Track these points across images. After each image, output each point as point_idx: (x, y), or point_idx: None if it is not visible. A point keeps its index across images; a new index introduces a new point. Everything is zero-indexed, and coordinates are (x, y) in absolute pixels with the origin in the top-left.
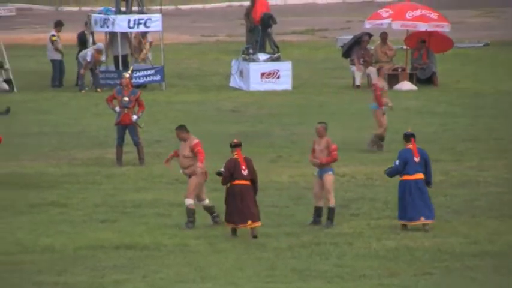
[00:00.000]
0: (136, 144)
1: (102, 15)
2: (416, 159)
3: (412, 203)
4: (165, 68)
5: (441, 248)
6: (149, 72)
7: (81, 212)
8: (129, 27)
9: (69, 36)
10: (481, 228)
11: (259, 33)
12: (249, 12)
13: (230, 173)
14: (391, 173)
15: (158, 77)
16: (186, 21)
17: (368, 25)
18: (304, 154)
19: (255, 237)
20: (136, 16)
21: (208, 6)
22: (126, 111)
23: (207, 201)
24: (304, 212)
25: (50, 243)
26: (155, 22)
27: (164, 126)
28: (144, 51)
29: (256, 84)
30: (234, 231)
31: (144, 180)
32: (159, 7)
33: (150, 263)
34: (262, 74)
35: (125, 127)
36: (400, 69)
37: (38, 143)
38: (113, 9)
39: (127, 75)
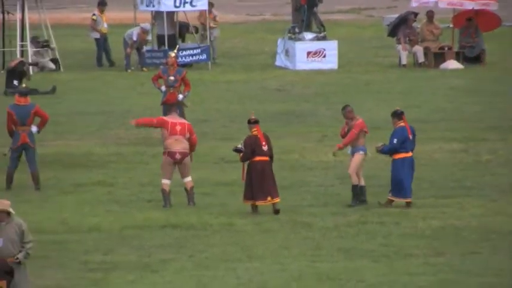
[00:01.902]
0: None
1: None
2: (410, 137)
3: (407, 180)
4: (211, 47)
5: (488, 228)
6: (195, 51)
7: (128, 191)
8: (175, 6)
9: (114, 15)
10: None
11: (305, 12)
12: None
13: (251, 150)
14: (389, 151)
15: (204, 56)
16: (231, 0)
17: (415, 4)
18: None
19: (277, 212)
20: None
21: None
22: (171, 91)
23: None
24: (350, 191)
25: (96, 222)
26: (201, 1)
27: (210, 105)
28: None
29: (302, 63)
30: (255, 208)
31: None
32: None
33: (196, 242)
34: (308, 53)
35: (171, 106)
36: (446, 48)
37: (84, 122)
38: None
39: (173, 54)
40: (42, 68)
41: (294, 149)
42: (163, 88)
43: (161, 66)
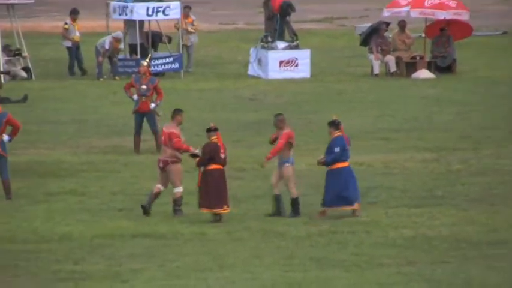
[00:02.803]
0: (155, 132)
1: (121, 3)
2: (348, 147)
3: (350, 187)
4: (183, 56)
5: (459, 237)
6: (167, 60)
7: (99, 200)
8: (148, 15)
9: (87, 24)
10: (499, 216)
11: (278, 21)
12: (268, 0)
13: (210, 157)
14: (332, 161)
15: (177, 65)
16: (205, 8)
17: (387, 13)
18: (322, 142)
19: (218, 220)
20: (155, 4)
21: None
22: (144, 100)
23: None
24: (320, 200)
25: (67, 231)
26: (174, 10)
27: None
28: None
29: (275, 72)
30: (216, 216)
31: None
32: None
33: (168, 251)
34: (281, 62)
35: (143, 115)
36: (418, 58)
37: (56, 131)
38: None
39: (145, 63)
40: (14, 77)
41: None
42: (135, 97)
43: (134, 75)
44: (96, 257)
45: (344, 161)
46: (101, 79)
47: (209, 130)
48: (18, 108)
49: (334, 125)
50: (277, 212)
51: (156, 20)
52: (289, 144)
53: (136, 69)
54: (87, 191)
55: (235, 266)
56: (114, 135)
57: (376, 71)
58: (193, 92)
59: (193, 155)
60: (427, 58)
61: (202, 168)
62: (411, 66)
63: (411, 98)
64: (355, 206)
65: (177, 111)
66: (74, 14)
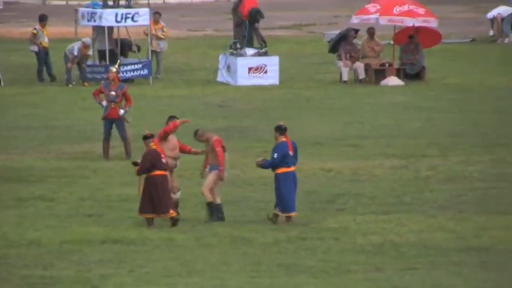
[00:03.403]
0: (124, 138)
1: (90, 9)
2: (291, 153)
3: (290, 194)
4: (152, 63)
5: (427, 244)
6: (136, 66)
7: (68, 206)
8: (117, 22)
9: (56, 30)
10: (467, 223)
11: (247, 28)
12: (236, 7)
13: (152, 164)
14: (269, 165)
15: (145, 72)
16: (173, 15)
17: (355, 20)
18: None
19: (176, 223)
20: (124, 10)
21: (195, 0)
22: (113, 106)
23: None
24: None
25: (36, 237)
26: (143, 16)
27: (151, 120)
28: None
29: (244, 78)
30: (151, 221)
31: (131, 175)
32: (146, 1)
33: (137, 257)
34: (250, 69)
35: (112, 121)
36: (387, 65)
37: (26, 137)
38: (101, 3)
39: (114, 69)
40: None
41: (235, 165)
42: (104, 103)
43: (103, 81)
44: (66, 262)
45: (287, 166)
46: (70, 85)
47: (146, 137)
48: None
49: (280, 130)
50: (219, 218)
51: (125, 27)
52: (224, 149)
53: (105, 76)
54: (57, 197)
55: (203, 272)
56: (84, 141)
57: (345, 77)
58: (162, 99)
59: (135, 163)
60: (396, 65)
61: (144, 175)
62: (380, 73)
63: (380, 105)
64: (292, 214)
65: (171, 118)
66: (42, 20)
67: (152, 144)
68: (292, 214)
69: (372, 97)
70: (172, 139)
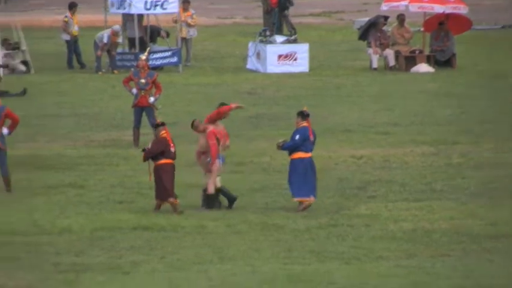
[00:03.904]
0: (153, 126)
1: None
2: (312, 138)
3: (305, 180)
4: (182, 50)
5: (458, 230)
6: (166, 54)
7: (98, 193)
8: (146, 9)
9: (85, 18)
10: (499, 210)
11: (276, 15)
12: None
13: (161, 152)
14: (290, 147)
15: (175, 59)
16: (203, 3)
17: (385, 7)
18: (320, 137)
19: (179, 212)
20: None
21: None
22: (143, 94)
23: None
24: (320, 193)
25: (67, 224)
26: (172, 4)
27: (181, 108)
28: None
29: (273, 66)
30: (159, 207)
31: None
32: None
33: (168, 244)
34: (279, 56)
35: (142, 109)
36: (417, 52)
37: (55, 124)
38: None
39: (143, 57)
40: (12, 70)
41: (265, 152)
42: (134, 91)
43: (132, 69)
44: (97, 249)
45: (305, 151)
46: (100, 73)
47: (157, 126)
48: (17, 102)
49: (303, 115)
50: (230, 200)
51: (155, 14)
52: (218, 141)
53: (134, 63)
54: (87, 184)
55: (235, 258)
56: (113, 129)
57: (375, 65)
58: (192, 86)
59: (144, 150)
60: (426, 52)
61: (152, 163)
62: (410, 60)
63: (410, 92)
64: (310, 199)
65: (221, 105)
66: (72, 7)
67: (163, 132)
68: (306, 199)
69: (402, 84)
70: (220, 126)
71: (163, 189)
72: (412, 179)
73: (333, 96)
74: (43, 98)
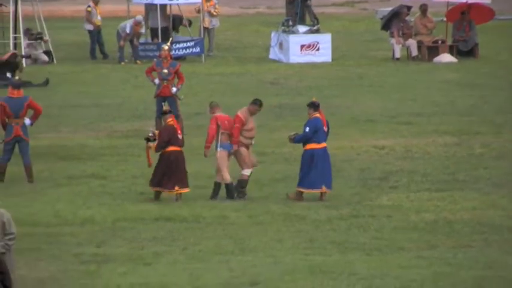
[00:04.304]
0: (176, 116)
1: None
2: (325, 129)
3: (316, 170)
4: (204, 40)
5: (480, 221)
6: (188, 44)
7: (121, 184)
8: None
9: (108, 8)
10: None
11: (299, 5)
12: None
13: (168, 140)
14: (301, 139)
15: (198, 49)
16: None
17: None
18: (343, 127)
19: (177, 200)
20: None
21: None
22: (165, 84)
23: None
24: (343, 184)
25: (89, 215)
26: None
27: (203, 98)
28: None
29: (296, 56)
30: (158, 195)
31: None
32: None
33: (189, 235)
34: (302, 46)
35: (164, 99)
36: (440, 42)
37: (78, 114)
38: None
39: (166, 47)
40: (35, 60)
41: (287, 142)
42: (156, 81)
43: (155, 59)
44: (119, 240)
45: (318, 142)
46: (123, 63)
47: (164, 113)
48: (40, 92)
49: (314, 106)
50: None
51: (178, 4)
52: (218, 128)
53: (157, 54)
54: (109, 175)
55: (256, 249)
56: (136, 119)
57: (398, 55)
58: (215, 76)
59: (147, 139)
60: (449, 42)
61: (152, 149)
62: (433, 51)
63: (433, 82)
64: (323, 189)
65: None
66: None
67: (169, 120)
68: (318, 190)
69: (424, 74)
70: (252, 120)
71: (165, 178)
72: (434, 169)
73: (356, 86)
74: (65, 88)
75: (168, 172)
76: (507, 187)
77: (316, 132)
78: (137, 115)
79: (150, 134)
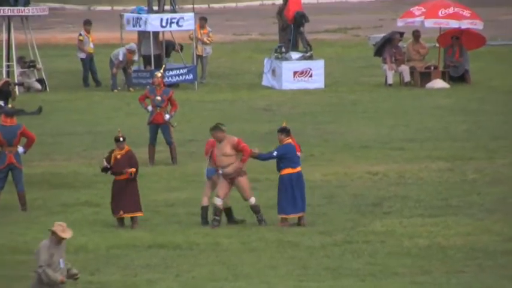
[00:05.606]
0: (169, 143)
1: (135, 15)
2: (299, 154)
3: (293, 196)
4: (197, 67)
5: (474, 246)
6: (181, 71)
7: None
8: (162, 27)
9: (101, 35)
10: None
11: (292, 31)
12: (281, 10)
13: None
14: (265, 159)
15: (191, 76)
16: (218, 19)
17: (400, 23)
18: (336, 153)
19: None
20: (169, 15)
21: (240, 4)
22: (158, 111)
23: (253, 200)
24: (336, 210)
25: (83, 242)
26: (188, 21)
27: (197, 125)
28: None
29: (289, 82)
30: (121, 222)
31: (177, 180)
32: (191, 6)
33: (183, 262)
34: (295, 73)
35: (157, 126)
36: (432, 67)
37: (71, 142)
38: (146, 8)
39: (159, 74)
40: (28, 88)
41: None
42: (150, 108)
43: (148, 86)
44: (112, 267)
45: (293, 167)
46: (115, 90)
47: (118, 140)
48: (33, 120)
49: (285, 131)
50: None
51: (170, 31)
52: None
53: (150, 81)
54: (103, 202)
55: (250, 276)
56: (129, 146)
57: (390, 81)
58: (207, 103)
59: (105, 169)
60: (441, 68)
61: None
62: (425, 76)
63: (425, 108)
64: (300, 214)
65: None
66: (87, 25)
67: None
68: (290, 216)
69: (417, 100)
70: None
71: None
72: (427, 194)
73: (349, 112)
74: (59, 116)
75: (115, 198)
76: (500, 212)
77: (291, 158)
78: (130, 142)
79: (106, 164)
